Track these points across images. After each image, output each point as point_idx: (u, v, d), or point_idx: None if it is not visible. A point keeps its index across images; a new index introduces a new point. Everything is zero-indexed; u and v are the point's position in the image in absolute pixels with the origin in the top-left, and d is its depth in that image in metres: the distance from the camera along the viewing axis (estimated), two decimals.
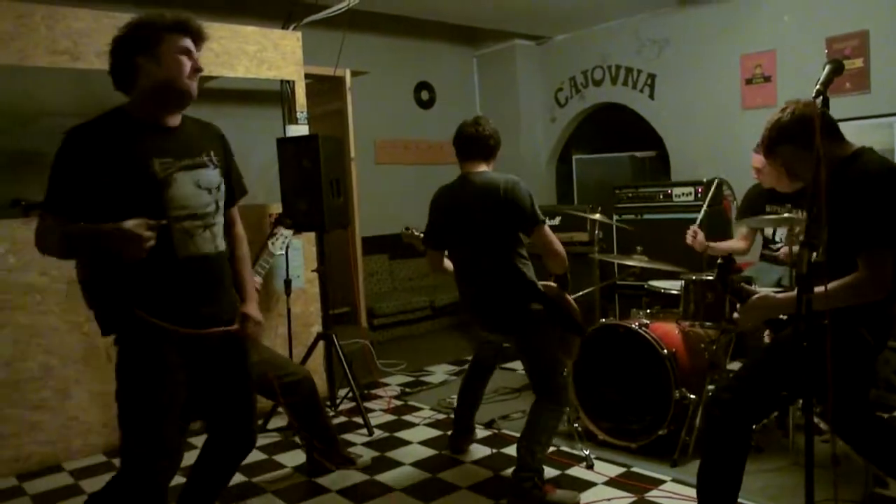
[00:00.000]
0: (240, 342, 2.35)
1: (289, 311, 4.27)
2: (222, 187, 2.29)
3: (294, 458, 3.73)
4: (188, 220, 2.17)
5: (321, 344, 4.36)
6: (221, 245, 2.30)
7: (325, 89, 6.03)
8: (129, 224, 1.95)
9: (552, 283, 3.29)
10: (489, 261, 3.15)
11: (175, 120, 2.22)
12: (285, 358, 3.39)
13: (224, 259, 2.32)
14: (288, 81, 4.72)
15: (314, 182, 4.05)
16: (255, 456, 3.78)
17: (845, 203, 2.21)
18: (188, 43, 2.12)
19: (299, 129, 4.70)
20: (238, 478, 3.49)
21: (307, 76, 4.87)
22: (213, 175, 2.26)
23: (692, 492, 3.05)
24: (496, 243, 3.13)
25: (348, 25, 6.22)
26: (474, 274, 3.23)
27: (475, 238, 3.17)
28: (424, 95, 7.55)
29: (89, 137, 2.07)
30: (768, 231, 4.16)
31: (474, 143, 3.22)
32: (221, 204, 2.29)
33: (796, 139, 2.30)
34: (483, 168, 3.24)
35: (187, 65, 2.11)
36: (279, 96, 4.83)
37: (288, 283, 4.20)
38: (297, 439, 3.90)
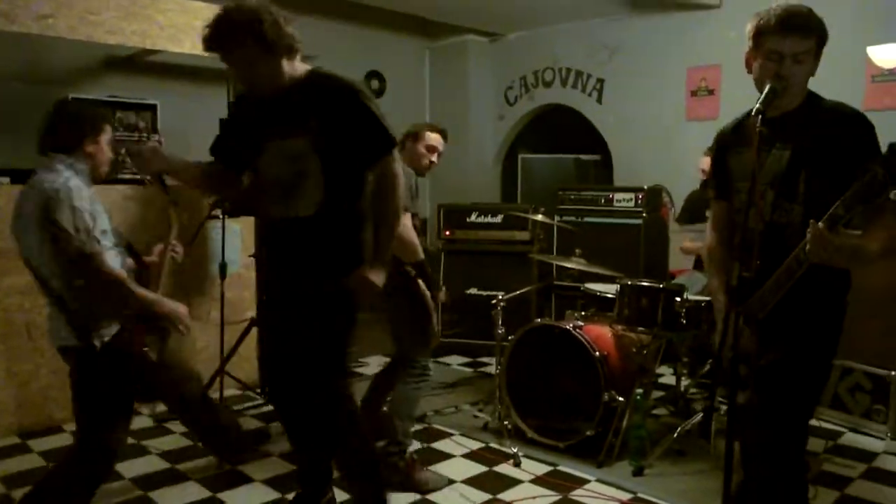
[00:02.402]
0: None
1: (223, 295, 4.18)
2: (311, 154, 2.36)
3: None
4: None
5: (254, 330, 4.29)
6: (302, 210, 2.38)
7: None
8: None
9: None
10: None
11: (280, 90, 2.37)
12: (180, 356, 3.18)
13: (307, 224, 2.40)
14: None
15: None
16: (178, 442, 3.69)
17: (847, 136, 1.99)
18: None
19: None
20: (161, 464, 3.41)
21: None
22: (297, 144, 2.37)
23: (616, 492, 3.13)
24: None
25: (299, 7, 6.12)
26: None
27: None
28: (374, 84, 7.47)
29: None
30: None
31: None
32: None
33: None
34: None
35: None
36: (224, 75, 4.70)
37: (223, 266, 4.11)
38: None
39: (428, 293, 3.32)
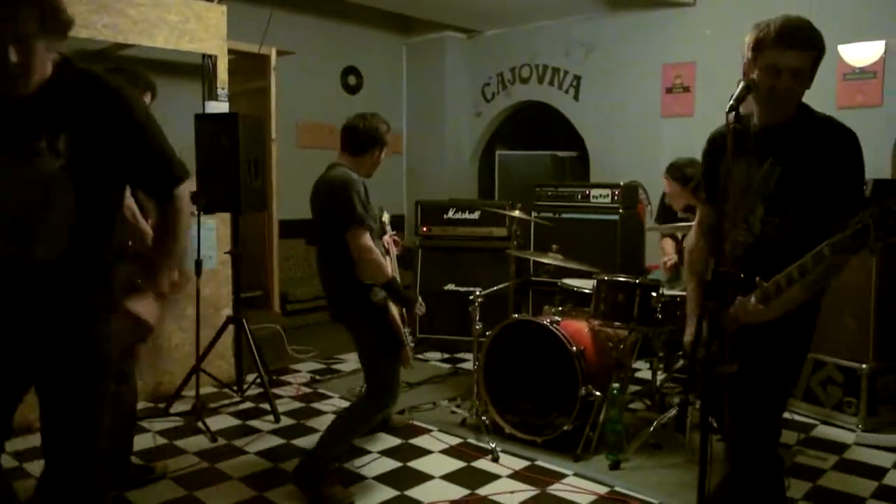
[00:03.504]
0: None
1: (198, 292, 4.13)
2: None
3: (196, 443, 3.63)
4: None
5: (230, 327, 4.26)
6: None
7: (248, 67, 5.85)
8: None
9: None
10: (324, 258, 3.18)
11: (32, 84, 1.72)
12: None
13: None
14: (210, 56, 4.56)
15: (232, 162, 3.94)
16: (155, 441, 3.66)
17: (837, 155, 1.99)
18: None
19: (219, 107, 4.56)
20: (137, 462, 3.38)
21: (230, 52, 4.72)
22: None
23: (593, 486, 3.16)
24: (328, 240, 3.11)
25: (277, 3, 6.07)
26: (319, 267, 3.24)
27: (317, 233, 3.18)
28: (352, 80, 7.44)
29: None
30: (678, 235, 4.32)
31: (346, 133, 3.18)
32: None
33: None
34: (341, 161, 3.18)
35: None
36: (199, 70, 4.66)
37: (199, 263, 4.07)
38: (200, 424, 3.79)
39: (398, 320, 3.12)
